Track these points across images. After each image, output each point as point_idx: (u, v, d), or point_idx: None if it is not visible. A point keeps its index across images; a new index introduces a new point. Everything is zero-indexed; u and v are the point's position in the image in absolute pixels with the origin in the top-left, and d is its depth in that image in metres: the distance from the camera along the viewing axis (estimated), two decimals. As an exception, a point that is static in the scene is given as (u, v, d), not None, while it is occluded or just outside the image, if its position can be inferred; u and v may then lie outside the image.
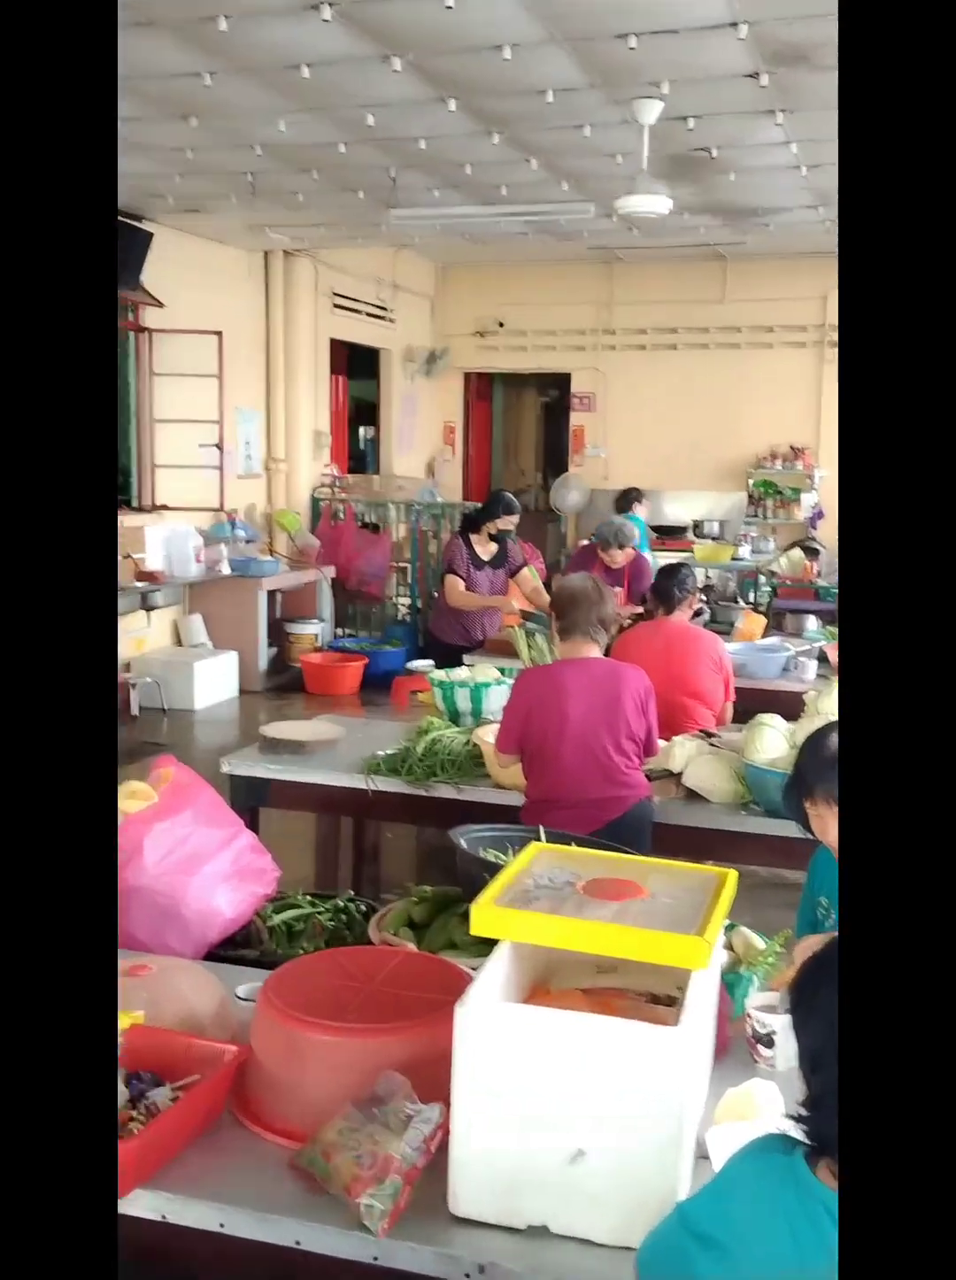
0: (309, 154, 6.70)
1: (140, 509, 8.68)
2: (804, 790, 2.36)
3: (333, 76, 5.34)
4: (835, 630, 6.59)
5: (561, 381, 12.31)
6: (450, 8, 4.42)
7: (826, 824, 2.33)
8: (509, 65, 5.06)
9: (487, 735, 3.97)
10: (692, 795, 3.94)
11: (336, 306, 10.53)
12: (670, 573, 5.08)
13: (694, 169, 6.94)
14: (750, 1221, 1.42)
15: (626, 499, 8.48)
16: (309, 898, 3.13)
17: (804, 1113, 1.46)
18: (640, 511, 8.40)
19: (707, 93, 5.55)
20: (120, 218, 7.66)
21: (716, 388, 11.28)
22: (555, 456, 13.11)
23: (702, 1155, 1.90)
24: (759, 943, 2.79)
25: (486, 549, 6.28)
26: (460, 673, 4.74)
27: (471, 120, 6.02)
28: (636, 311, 11.43)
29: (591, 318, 11.62)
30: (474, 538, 6.25)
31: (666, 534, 10.80)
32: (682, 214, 8.00)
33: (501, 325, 11.93)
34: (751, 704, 4.75)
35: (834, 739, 2.35)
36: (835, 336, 10.86)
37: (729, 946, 2.81)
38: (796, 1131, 1.48)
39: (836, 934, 1.64)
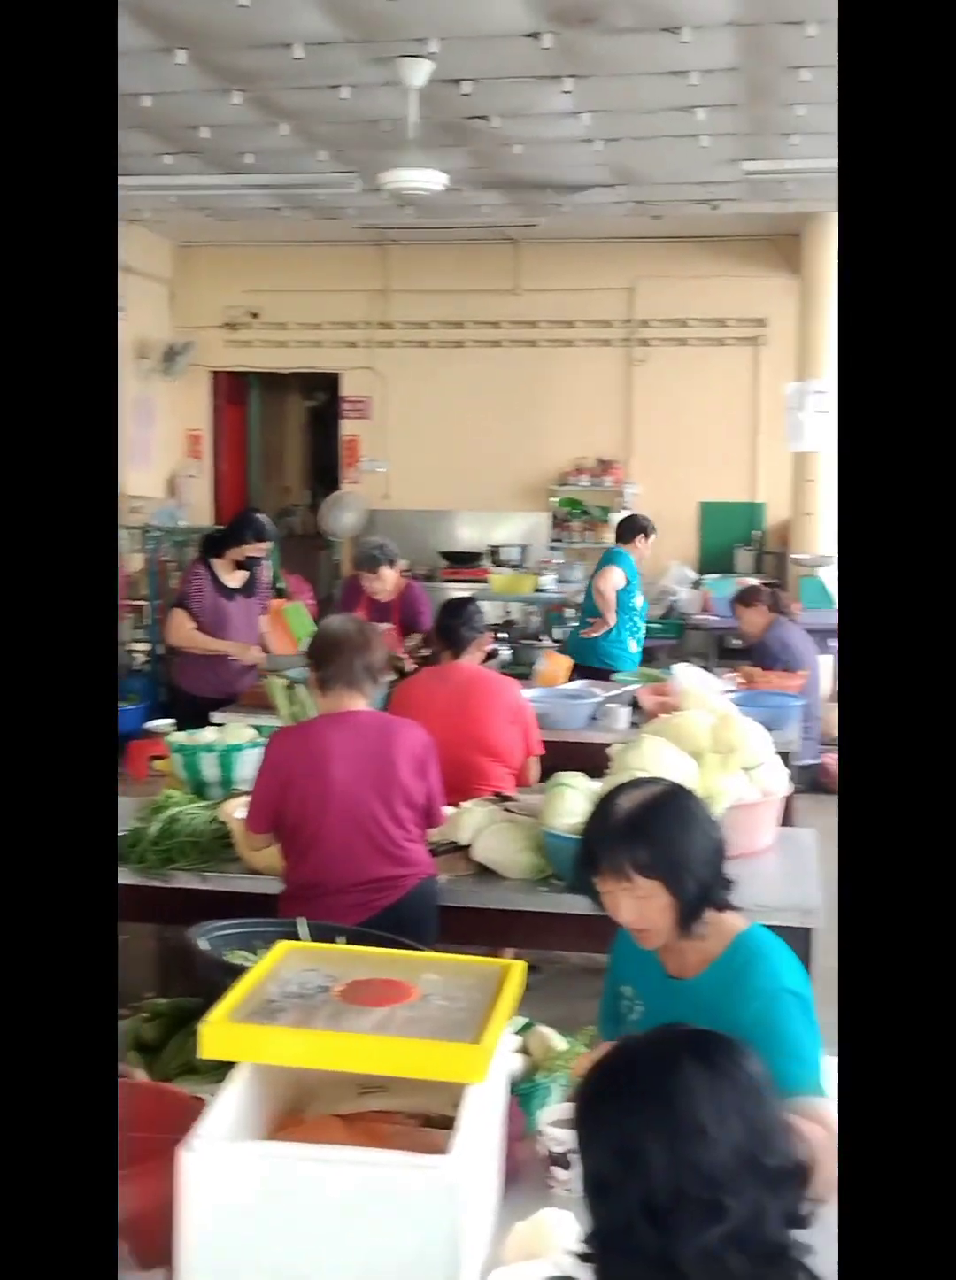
0: (7, 109, 6.55)
1: None
2: (591, 863, 2.40)
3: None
4: (649, 672, 6.79)
5: (330, 383, 12.36)
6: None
7: (618, 902, 2.37)
8: (246, 12, 5.08)
9: (237, 810, 3.91)
10: (485, 871, 3.96)
11: (52, 292, 10.30)
12: (456, 608, 5.13)
13: (472, 139, 7.12)
14: None
15: (628, 530, 7.55)
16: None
17: (588, 1249, 1.48)
18: (642, 549, 7.53)
19: (484, 53, 5.71)
20: None
21: (512, 392, 11.51)
22: (326, 471, 13.12)
23: (486, 1305, 1.90)
24: (559, 1044, 2.82)
25: (234, 576, 6.20)
26: (206, 734, 4.66)
27: (205, 75, 6.01)
28: (416, 302, 11.59)
29: (363, 309, 11.72)
30: (217, 563, 6.16)
31: (459, 562, 10.95)
32: (462, 190, 8.19)
33: (255, 316, 11.90)
34: (556, 760, 4.83)
35: (623, 802, 2.40)
36: (643, 334, 11.28)
37: (525, 1050, 2.84)
38: (582, 1272, 1.50)
39: (630, 1035, 1.68)
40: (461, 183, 7.94)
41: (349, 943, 2.90)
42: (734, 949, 2.41)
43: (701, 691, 4.92)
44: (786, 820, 5.19)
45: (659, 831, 2.35)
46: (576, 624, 7.47)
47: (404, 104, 6.08)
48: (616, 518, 11.17)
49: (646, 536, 7.54)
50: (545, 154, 7.46)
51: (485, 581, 10.22)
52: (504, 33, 5.41)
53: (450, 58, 5.71)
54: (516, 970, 2.23)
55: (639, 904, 2.35)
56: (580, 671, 6.92)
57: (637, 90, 6.25)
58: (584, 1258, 1.49)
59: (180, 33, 5.48)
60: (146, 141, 7.16)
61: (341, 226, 10.11)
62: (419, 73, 5.78)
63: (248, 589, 6.23)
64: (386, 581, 6.43)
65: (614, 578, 7.24)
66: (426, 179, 6.22)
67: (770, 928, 3.50)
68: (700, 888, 2.34)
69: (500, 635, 9.53)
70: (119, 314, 11.08)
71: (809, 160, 7.29)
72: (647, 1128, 1.46)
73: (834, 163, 5.98)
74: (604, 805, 2.45)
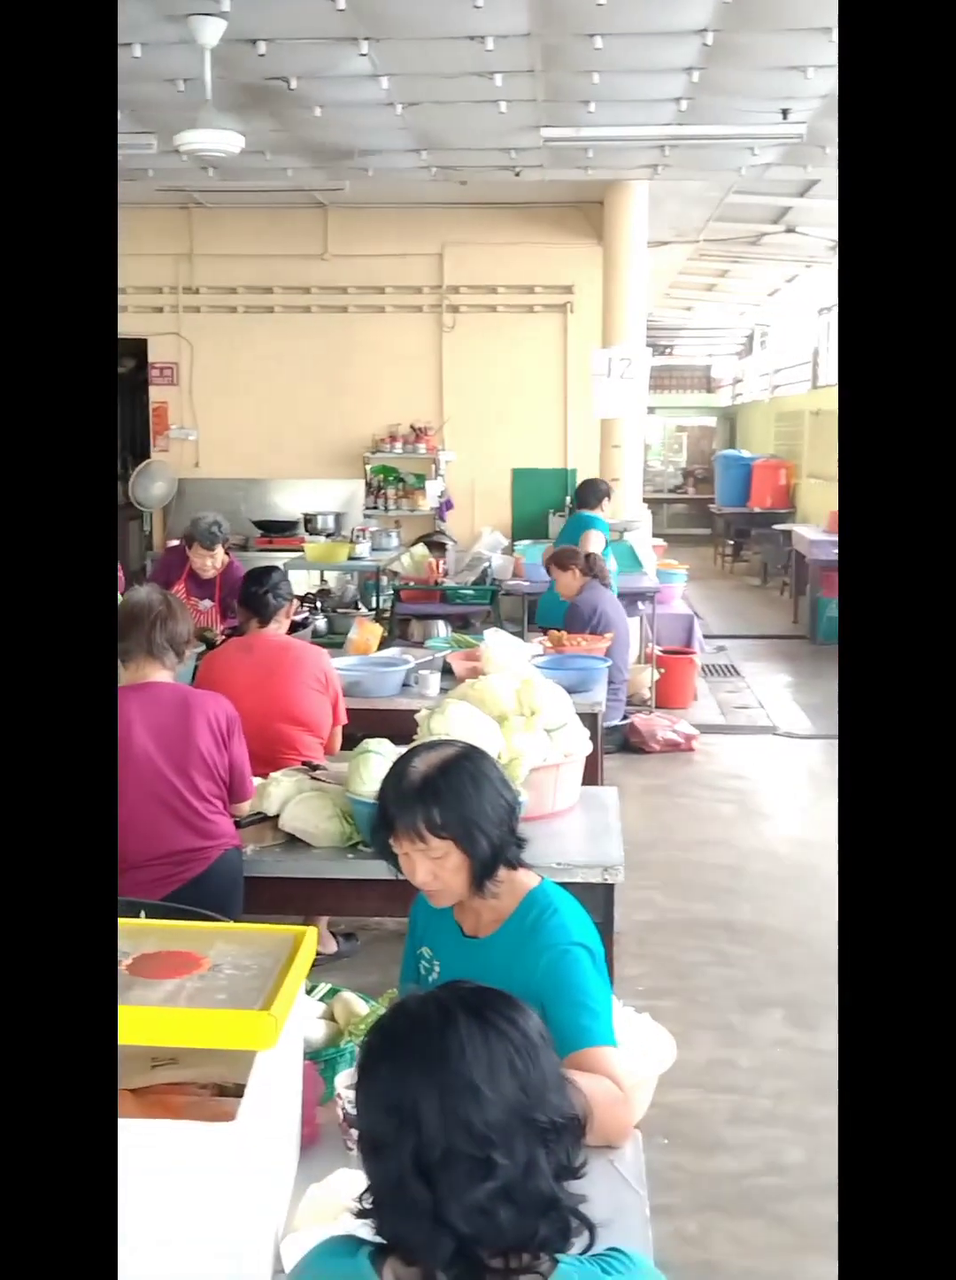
0: None
1: None
2: (387, 825, 2.42)
3: None
4: (462, 638, 6.84)
5: (137, 349, 12.08)
6: None
7: (414, 863, 2.40)
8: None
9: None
10: (294, 841, 3.95)
11: None
12: (261, 576, 5.09)
13: (271, 101, 7.02)
14: None
15: (591, 494, 7.98)
16: None
17: (365, 1206, 1.50)
18: (605, 511, 8.05)
19: (278, 13, 5.63)
20: None
21: (323, 358, 11.42)
22: (134, 440, 12.85)
23: (281, 1269, 1.91)
24: (363, 1008, 2.84)
25: None
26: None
27: (-10, 29, 5.80)
28: (223, 267, 11.38)
29: (169, 273, 11.47)
30: None
31: (272, 531, 10.85)
32: (265, 153, 8.07)
33: (57, 281, 11.58)
34: (370, 727, 4.85)
35: (418, 764, 2.42)
36: (453, 300, 11.30)
37: (331, 1016, 2.85)
38: (362, 1228, 1.52)
39: (409, 994, 1.69)
40: (263, 145, 7.83)
41: (150, 918, 2.86)
42: (525, 906, 2.46)
43: (506, 656, 4.98)
44: (595, 779, 5.31)
45: (451, 791, 2.38)
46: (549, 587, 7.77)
47: (199, 64, 5.96)
48: (433, 486, 11.28)
49: (609, 498, 8.02)
50: (346, 117, 7.40)
51: (300, 550, 10.14)
52: (297, -8, 5.36)
53: (244, 17, 5.61)
54: (308, 936, 2.23)
55: (433, 864, 2.39)
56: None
57: (434, 54, 6.24)
58: (360, 1214, 1.51)
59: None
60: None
61: (143, 188, 9.86)
62: (211, 31, 5.67)
63: None
64: (218, 558, 6.41)
65: (598, 541, 7.50)
66: (223, 141, 6.11)
67: (572, 885, 3.59)
68: (492, 846, 2.38)
69: (315, 604, 9.48)
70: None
71: (606, 128, 7.38)
72: (421, 1086, 1.48)
73: (629, 130, 6.02)
74: (398, 767, 2.47)
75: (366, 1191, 1.51)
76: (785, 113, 7.13)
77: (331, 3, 5.38)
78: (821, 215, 10.87)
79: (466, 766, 2.44)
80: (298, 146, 8.24)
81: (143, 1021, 1.93)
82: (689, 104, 7.04)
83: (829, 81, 6.60)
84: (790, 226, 11.31)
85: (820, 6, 5.51)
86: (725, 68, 6.45)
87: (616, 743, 8.00)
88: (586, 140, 7.64)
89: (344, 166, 8.85)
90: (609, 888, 3.79)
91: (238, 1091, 2.13)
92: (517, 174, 8.81)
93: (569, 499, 11.30)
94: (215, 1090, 2.16)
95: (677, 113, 7.20)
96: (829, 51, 6.12)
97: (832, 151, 8.07)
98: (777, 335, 21.31)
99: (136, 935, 2.26)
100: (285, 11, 5.60)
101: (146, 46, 6.00)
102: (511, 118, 7.27)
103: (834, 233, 11.72)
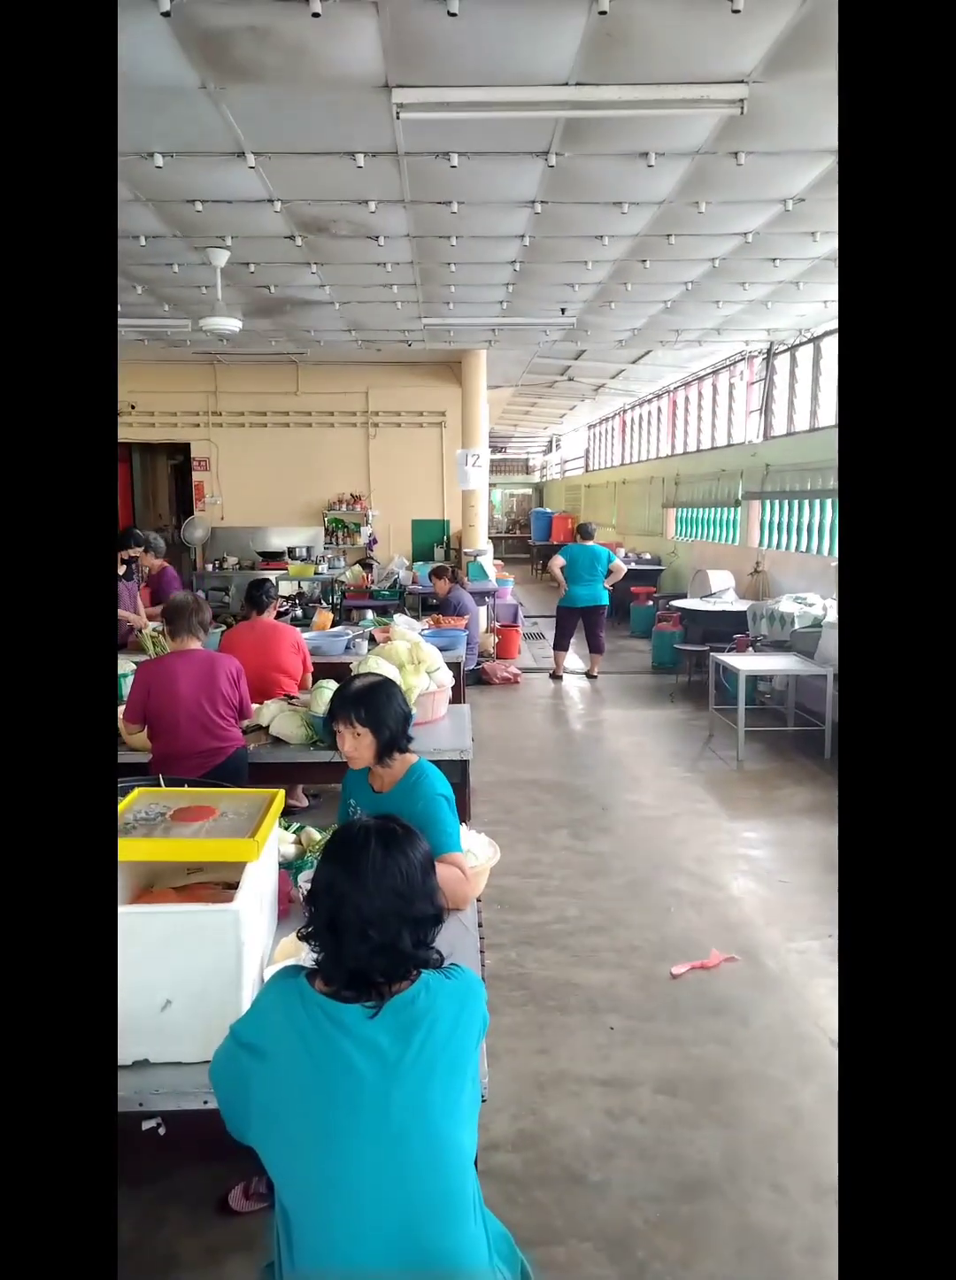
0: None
1: None
2: (333, 717, 2.46)
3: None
4: (381, 620, 6.80)
5: (184, 449, 11.75)
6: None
7: (344, 740, 2.45)
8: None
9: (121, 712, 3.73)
10: (278, 741, 3.93)
11: None
12: (259, 584, 5.01)
13: (259, 299, 6.86)
14: (273, 1029, 1.46)
15: (590, 531, 8.42)
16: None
17: (306, 933, 1.52)
18: (596, 538, 8.46)
19: (261, 247, 5.50)
20: None
21: (296, 454, 11.21)
22: (184, 503, 12.49)
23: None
24: (318, 837, 2.85)
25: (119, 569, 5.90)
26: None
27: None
28: (236, 399, 11.10)
29: (202, 403, 11.16)
30: None
31: (269, 557, 10.65)
32: (256, 329, 7.87)
33: (133, 407, 11.18)
34: (324, 674, 4.81)
35: (355, 684, 2.48)
36: (375, 420, 11.16)
37: (299, 842, 2.85)
38: (305, 952, 1.54)
39: (348, 822, 1.70)
40: (256, 326, 7.65)
41: (193, 787, 2.83)
42: (411, 774, 2.49)
43: (405, 629, 4.98)
44: (459, 699, 5.34)
45: (371, 700, 2.42)
46: (585, 582, 8.23)
47: (214, 276, 5.79)
48: (364, 530, 11.16)
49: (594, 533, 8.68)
50: (306, 311, 7.26)
51: (285, 569, 9.97)
52: (270, 235, 5.21)
53: (240, 248, 5.47)
54: (278, 796, 2.24)
55: (354, 741, 2.43)
56: (588, 612, 8.14)
57: (355, 276, 6.15)
58: (302, 937, 1.53)
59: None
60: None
61: (182, 351, 9.57)
62: (220, 258, 5.51)
63: (126, 576, 5.92)
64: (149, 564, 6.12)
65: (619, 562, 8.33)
66: (229, 324, 5.95)
67: (443, 760, 3.62)
68: (391, 735, 2.41)
69: (295, 601, 9.34)
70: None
71: (461, 318, 7.34)
72: (338, 879, 1.49)
73: (472, 320, 5.95)
74: (343, 686, 2.53)
75: (307, 925, 1.53)
76: (563, 310, 7.17)
77: (292, 241, 5.27)
78: (588, 371, 10.96)
79: (382, 688, 2.47)
80: (277, 327, 8.06)
81: (179, 847, 1.92)
82: (507, 304, 7.04)
83: (589, 291, 6.67)
84: (570, 376, 11.38)
85: (583, 250, 5.54)
86: (527, 284, 6.47)
87: (472, 679, 8.04)
88: (449, 325, 7.59)
89: (305, 339, 8.67)
90: (465, 762, 3.83)
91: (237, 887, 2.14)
92: (409, 344, 8.73)
93: (444, 537, 11.29)
94: (223, 886, 2.16)
95: (501, 309, 7.19)
96: (587, 274, 6.18)
97: (593, 334, 8.14)
98: (567, 441, 21.46)
99: (175, 798, 2.25)
100: (266, 248, 5.47)
101: (182, 266, 5.82)
102: (403, 311, 7.19)
103: (594, 381, 11.81)
